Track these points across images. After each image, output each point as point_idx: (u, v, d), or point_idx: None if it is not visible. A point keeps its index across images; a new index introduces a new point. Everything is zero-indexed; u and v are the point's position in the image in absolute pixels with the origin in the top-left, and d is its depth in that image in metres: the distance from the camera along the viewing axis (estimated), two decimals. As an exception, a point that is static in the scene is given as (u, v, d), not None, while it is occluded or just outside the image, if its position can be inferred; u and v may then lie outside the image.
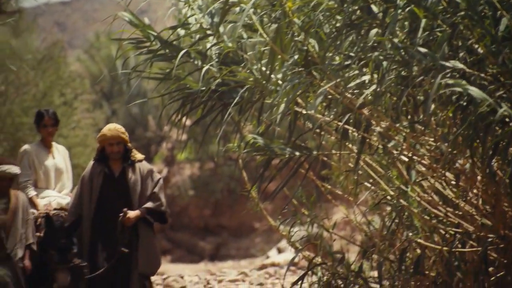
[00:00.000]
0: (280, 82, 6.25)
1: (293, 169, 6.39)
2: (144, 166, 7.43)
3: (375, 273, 7.34)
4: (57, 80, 17.32)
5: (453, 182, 6.46)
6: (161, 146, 26.53)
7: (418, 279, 7.01)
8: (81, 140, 17.94)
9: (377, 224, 7.53)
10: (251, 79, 6.64)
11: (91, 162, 7.50)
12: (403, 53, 5.70)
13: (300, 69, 6.13)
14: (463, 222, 6.46)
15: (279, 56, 6.30)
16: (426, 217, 6.73)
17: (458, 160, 6.31)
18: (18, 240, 7.10)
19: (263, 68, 6.58)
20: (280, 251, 17.11)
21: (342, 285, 7.17)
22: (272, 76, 6.41)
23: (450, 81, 5.41)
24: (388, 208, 7.23)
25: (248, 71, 6.69)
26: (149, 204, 7.32)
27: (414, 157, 6.42)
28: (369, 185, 7.35)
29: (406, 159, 6.49)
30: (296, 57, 6.09)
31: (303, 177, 6.95)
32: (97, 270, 7.17)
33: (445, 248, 6.66)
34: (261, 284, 11.25)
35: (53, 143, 7.81)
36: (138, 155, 7.45)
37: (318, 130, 6.43)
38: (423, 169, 6.65)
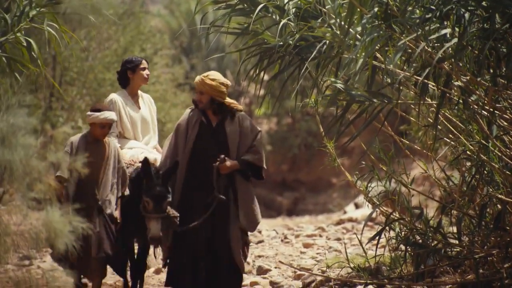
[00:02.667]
0: (358, 36, 6.20)
1: (369, 118, 6.35)
2: (244, 117, 7.06)
3: (454, 229, 7.29)
4: (137, 36, 17.52)
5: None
6: (239, 101, 26.71)
7: (499, 235, 6.93)
8: (161, 95, 18.15)
9: (456, 179, 7.45)
10: (329, 34, 6.60)
11: (188, 110, 7.10)
12: (486, 4, 5.57)
13: (379, 22, 6.06)
14: (546, 178, 6.34)
15: (358, 10, 6.23)
16: (507, 172, 6.62)
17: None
18: (109, 191, 6.89)
19: (342, 22, 6.53)
20: (357, 206, 17.11)
21: (420, 241, 7.15)
22: (351, 30, 6.35)
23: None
24: (468, 163, 7.14)
25: (326, 25, 6.64)
26: (247, 157, 6.94)
27: (496, 112, 6.31)
28: (448, 140, 7.26)
29: (487, 114, 6.39)
30: (376, 9, 6.01)
31: (378, 130, 6.91)
32: (188, 221, 6.82)
33: (526, 204, 6.56)
34: (338, 239, 11.30)
35: (139, 92, 7.55)
36: (238, 106, 7.06)
37: (397, 85, 6.37)
38: (505, 123, 6.54)
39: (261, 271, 8.82)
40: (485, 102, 6.29)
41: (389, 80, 6.50)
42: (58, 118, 15.59)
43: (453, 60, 6.04)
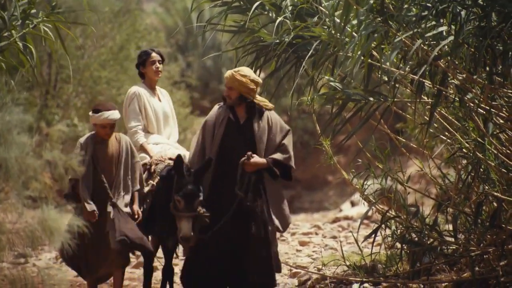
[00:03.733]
0: (354, 34, 6.19)
1: (366, 116, 6.35)
2: (273, 115, 6.79)
3: (450, 227, 7.29)
4: (133, 33, 17.50)
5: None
6: (235, 99, 26.74)
7: (495, 233, 6.93)
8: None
9: (452, 177, 7.45)
10: (324, 33, 6.60)
11: (216, 106, 6.82)
12: (482, 2, 5.57)
13: (375, 15, 6.06)
14: (542, 176, 6.34)
15: (354, 7, 6.23)
16: (503, 170, 6.62)
17: (538, 112, 6.18)
18: (123, 188, 6.71)
19: (337, 20, 6.53)
20: (353, 204, 17.11)
21: (416, 239, 7.16)
22: (347, 27, 6.35)
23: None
24: (464, 161, 7.14)
25: (322, 23, 6.64)
26: (276, 155, 6.68)
27: (492, 109, 6.31)
28: (444, 138, 7.26)
29: (483, 112, 6.39)
30: (371, 1, 6.00)
31: (374, 128, 6.91)
32: (215, 221, 6.58)
33: (522, 202, 6.57)
34: (334, 237, 11.31)
35: (156, 87, 7.32)
36: (269, 104, 6.80)
37: (393, 83, 6.36)
38: (501, 121, 6.54)
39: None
40: (481, 100, 6.29)
41: (385, 78, 6.50)
42: (53, 116, 15.57)
43: (449, 58, 6.04)
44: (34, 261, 9.56)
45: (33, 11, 6.41)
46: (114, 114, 6.69)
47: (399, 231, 7.29)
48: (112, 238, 6.58)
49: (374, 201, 7.41)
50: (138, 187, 6.78)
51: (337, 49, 6.53)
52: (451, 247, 7.20)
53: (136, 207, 6.74)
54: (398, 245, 7.30)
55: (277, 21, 6.74)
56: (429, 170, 7.50)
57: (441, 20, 5.98)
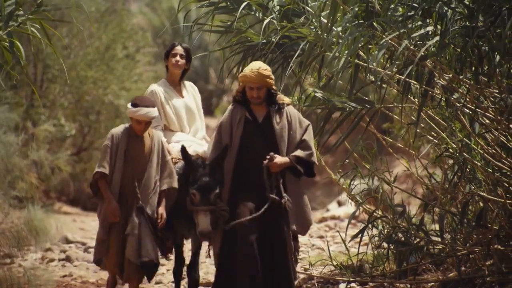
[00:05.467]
0: (341, 34, 6.21)
1: (354, 122, 6.36)
2: (292, 110, 6.38)
3: (436, 227, 7.32)
4: (120, 33, 17.46)
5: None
6: (222, 99, 26.64)
7: (481, 232, 6.96)
8: (143, 93, 18.08)
9: (438, 177, 7.48)
10: (311, 33, 6.61)
11: (230, 107, 6.42)
12: (468, 2, 5.59)
13: (360, 21, 6.07)
14: (527, 175, 6.38)
15: (341, 8, 6.24)
16: (489, 170, 6.65)
17: (523, 112, 6.21)
18: (151, 189, 6.35)
19: (324, 20, 6.54)
20: (340, 204, 17.12)
21: (402, 239, 7.17)
22: (334, 28, 6.37)
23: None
24: (450, 161, 7.16)
25: (309, 24, 6.65)
26: (298, 152, 6.28)
27: (478, 110, 6.34)
28: (431, 138, 7.29)
29: (470, 112, 6.41)
30: (356, 9, 6.02)
31: (363, 130, 6.93)
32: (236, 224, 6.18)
33: (508, 201, 6.59)
34: (321, 237, 11.31)
35: (183, 81, 6.96)
36: (286, 99, 6.41)
37: (379, 83, 6.38)
38: (487, 121, 6.57)
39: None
40: (467, 100, 6.32)
41: (372, 78, 6.52)
42: (40, 115, 15.51)
43: (435, 58, 6.06)
44: (20, 262, 9.52)
45: (20, 12, 6.37)
46: (152, 112, 6.36)
47: (385, 231, 7.31)
48: (132, 253, 6.26)
49: (361, 201, 7.43)
50: (165, 187, 6.40)
51: (324, 50, 6.54)
52: (437, 247, 7.23)
53: (161, 209, 6.38)
54: (385, 245, 7.31)
55: (265, 22, 6.74)
56: (415, 170, 7.52)
57: (427, 20, 6.00)
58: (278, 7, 6.85)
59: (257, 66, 6.24)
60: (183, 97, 6.90)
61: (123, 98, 17.12)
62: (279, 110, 6.34)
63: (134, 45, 18.37)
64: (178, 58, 6.81)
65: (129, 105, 6.39)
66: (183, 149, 6.24)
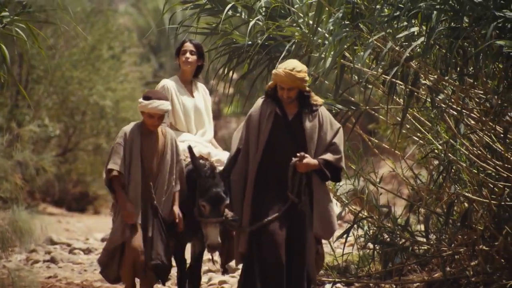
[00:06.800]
0: (327, 35, 6.22)
1: (340, 123, 6.37)
2: (323, 111, 6.08)
3: (421, 227, 7.34)
4: (105, 34, 17.42)
5: (503, 135, 6.39)
6: (208, 100, 26.70)
7: (466, 233, 6.99)
8: (129, 94, 18.05)
9: (424, 178, 7.50)
10: (297, 33, 6.62)
11: (260, 100, 6.11)
12: (452, 3, 5.61)
13: (346, 22, 6.08)
14: (512, 176, 6.41)
15: (326, 9, 6.25)
16: (474, 170, 6.68)
17: (508, 113, 6.24)
18: (165, 189, 6.07)
19: (310, 22, 6.55)
20: (326, 204, 17.16)
21: (388, 239, 7.19)
22: (319, 29, 6.37)
23: (501, 42, 5.35)
24: (436, 162, 7.19)
25: (295, 25, 6.66)
26: (327, 156, 6.00)
27: (463, 111, 6.36)
28: (416, 138, 7.31)
29: (455, 113, 6.44)
30: (341, 11, 6.03)
31: (349, 131, 6.94)
32: (257, 222, 5.94)
33: (493, 202, 6.62)
34: (307, 237, 11.30)
35: (195, 81, 6.69)
36: (319, 99, 6.09)
37: (365, 84, 6.39)
38: (472, 122, 6.59)
39: (230, 270, 8.80)
40: (453, 101, 6.34)
41: (357, 79, 6.54)
42: (24, 116, 15.46)
43: (421, 58, 6.08)
44: (4, 263, 9.47)
45: (5, 13, 6.31)
46: (165, 105, 6.07)
47: (371, 231, 7.32)
48: (146, 255, 6.01)
49: (346, 201, 7.44)
50: (179, 187, 6.14)
51: (310, 50, 6.55)
52: (422, 248, 7.25)
53: (176, 209, 6.10)
54: (371, 245, 7.33)
55: (251, 23, 6.74)
56: (401, 171, 7.54)
57: (413, 21, 6.02)
58: (264, 8, 6.86)
59: (291, 67, 5.93)
60: (193, 97, 6.63)
61: (109, 98, 17.09)
62: (311, 109, 6.05)
63: (120, 45, 18.35)
64: (188, 55, 6.54)
65: (140, 100, 6.11)
66: (191, 151, 5.96)
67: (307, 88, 6.00)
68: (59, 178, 17.55)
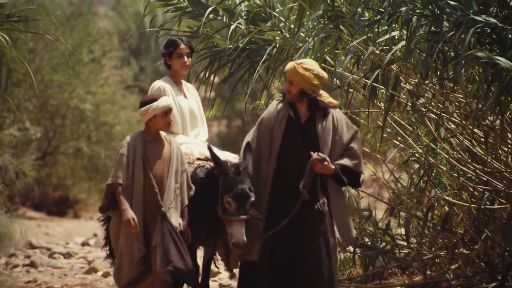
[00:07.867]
0: (307, 39, 6.23)
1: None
2: (338, 114, 5.89)
3: (402, 231, 7.36)
4: (85, 37, 17.36)
5: (483, 139, 6.43)
6: (189, 103, 26.66)
7: (446, 236, 7.02)
8: (109, 97, 17.99)
9: (405, 181, 7.53)
10: (279, 37, 6.62)
11: (274, 102, 5.95)
12: (432, 8, 5.64)
13: (326, 21, 6.09)
14: (492, 179, 6.44)
15: (308, 13, 6.26)
16: (454, 174, 6.71)
17: (488, 117, 6.28)
18: (173, 197, 5.81)
19: (291, 26, 6.56)
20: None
21: (369, 243, 7.21)
22: (301, 33, 6.38)
23: (479, 53, 5.39)
24: (416, 166, 7.22)
25: (276, 29, 6.66)
26: (345, 161, 5.81)
27: (443, 114, 6.39)
28: (397, 142, 7.34)
29: (435, 117, 6.47)
30: (321, 10, 6.03)
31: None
32: (270, 227, 5.76)
33: (473, 206, 6.65)
34: (288, 240, 11.30)
35: (182, 81, 6.43)
36: (333, 101, 5.88)
37: (346, 88, 6.41)
38: (452, 126, 6.63)
39: (211, 274, 8.77)
40: (433, 105, 6.37)
41: (338, 83, 6.55)
42: (4, 119, 15.35)
43: (401, 62, 6.10)
44: (-15, 267, 9.41)
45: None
46: (171, 99, 5.96)
47: (352, 235, 7.33)
48: (159, 262, 5.76)
49: (327, 205, 7.43)
50: (186, 202, 5.89)
51: (291, 54, 6.56)
52: (403, 251, 7.27)
53: (186, 225, 5.86)
54: (351, 249, 7.33)
55: (232, 27, 6.73)
56: (382, 175, 7.56)
57: (394, 25, 6.04)
58: (245, 11, 6.86)
59: (301, 61, 5.78)
60: (187, 98, 6.41)
61: (89, 102, 17.01)
62: (325, 112, 5.85)
63: (100, 49, 18.28)
64: (185, 59, 6.30)
65: (144, 107, 5.85)
66: (211, 151, 5.76)
67: (311, 92, 5.76)
68: (39, 182, 17.46)
